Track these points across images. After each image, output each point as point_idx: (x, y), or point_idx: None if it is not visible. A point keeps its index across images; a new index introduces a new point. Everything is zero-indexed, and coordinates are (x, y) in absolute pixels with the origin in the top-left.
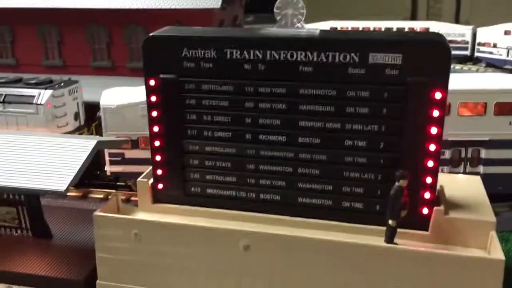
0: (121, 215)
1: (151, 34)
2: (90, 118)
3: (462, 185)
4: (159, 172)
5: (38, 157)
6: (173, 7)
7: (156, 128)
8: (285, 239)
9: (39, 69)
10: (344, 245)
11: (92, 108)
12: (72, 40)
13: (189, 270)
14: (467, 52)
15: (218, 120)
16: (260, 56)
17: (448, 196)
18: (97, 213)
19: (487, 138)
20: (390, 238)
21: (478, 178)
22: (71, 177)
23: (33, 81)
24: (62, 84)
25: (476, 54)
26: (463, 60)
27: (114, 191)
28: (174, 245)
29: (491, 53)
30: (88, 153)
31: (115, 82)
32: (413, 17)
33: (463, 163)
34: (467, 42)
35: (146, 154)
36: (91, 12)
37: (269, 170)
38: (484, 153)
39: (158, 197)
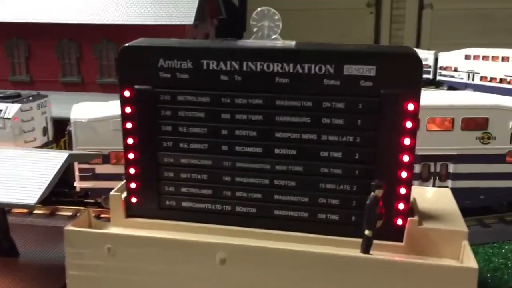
0: (94, 229)
1: (126, 44)
2: (59, 134)
3: (433, 197)
4: (133, 185)
5: (6, 170)
6: (145, 22)
7: (130, 140)
8: (263, 251)
9: (5, 84)
10: (323, 256)
11: (60, 124)
12: (41, 55)
13: (165, 285)
14: (430, 76)
15: (194, 131)
16: (237, 67)
17: (420, 208)
18: (68, 227)
19: (454, 153)
20: (366, 249)
21: (448, 190)
22: (42, 191)
23: (0, 95)
24: (30, 98)
25: (438, 77)
26: (425, 83)
27: (83, 208)
28: (149, 259)
29: (452, 76)
30: (59, 166)
31: (85, 98)
32: (376, 43)
33: (432, 177)
34: (430, 66)
35: (117, 169)
36: (62, 27)
37: (245, 182)
38: (452, 168)
39: (131, 212)
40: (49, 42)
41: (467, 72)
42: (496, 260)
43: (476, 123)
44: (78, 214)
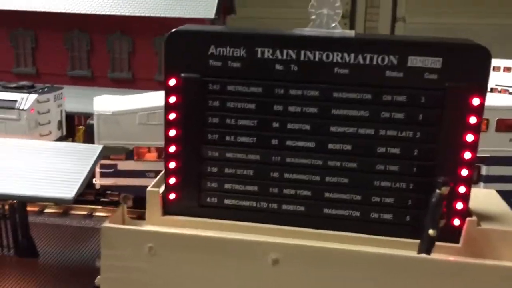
0: (133, 226)
1: (175, 29)
2: (69, 129)
3: (482, 198)
4: (172, 180)
5: (39, 163)
6: (162, 15)
7: (172, 132)
8: (319, 252)
9: (8, 76)
10: (383, 257)
11: (70, 119)
12: (48, 47)
13: None
14: None
15: (243, 124)
16: (294, 56)
17: (474, 208)
18: (106, 224)
19: (487, 155)
20: (428, 250)
21: (494, 191)
22: (78, 185)
23: (13, 85)
24: (46, 89)
25: None
26: None
27: (99, 207)
28: (195, 260)
29: None
30: (95, 158)
31: (95, 92)
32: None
33: None
34: None
35: (140, 166)
36: (71, 17)
37: (295, 179)
38: (484, 170)
39: (168, 209)
40: (58, 32)
41: None
42: None
43: (511, 124)
44: (93, 214)
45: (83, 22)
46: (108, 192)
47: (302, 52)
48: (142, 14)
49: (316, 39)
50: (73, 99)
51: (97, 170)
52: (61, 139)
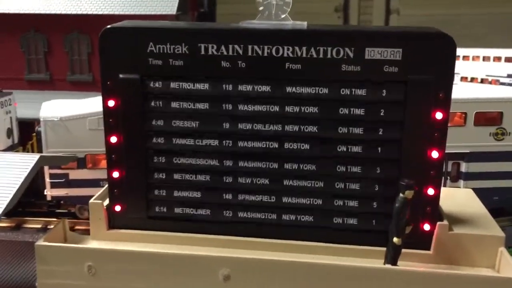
0: (70, 244)
1: (109, 26)
2: (24, 137)
3: (457, 199)
4: (117, 191)
5: None
6: (122, 13)
7: (113, 139)
8: (275, 266)
9: None
10: (346, 269)
11: (26, 126)
12: (3, 50)
13: None
14: None
15: (190, 126)
16: (241, 52)
17: (447, 211)
18: (40, 242)
19: (467, 151)
20: (394, 259)
21: (471, 191)
22: (8, 200)
23: None
24: None
25: None
26: None
27: (54, 219)
28: (139, 279)
29: None
30: (29, 171)
31: (53, 97)
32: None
33: (443, 177)
34: None
35: (94, 174)
36: (27, 18)
37: (249, 184)
38: (464, 167)
39: (114, 222)
40: (13, 35)
41: None
42: None
43: (490, 117)
44: (48, 227)
45: (39, 23)
46: (62, 202)
47: (250, 47)
48: (100, 12)
49: (264, 32)
50: (30, 104)
51: (47, 180)
52: (11, 148)
